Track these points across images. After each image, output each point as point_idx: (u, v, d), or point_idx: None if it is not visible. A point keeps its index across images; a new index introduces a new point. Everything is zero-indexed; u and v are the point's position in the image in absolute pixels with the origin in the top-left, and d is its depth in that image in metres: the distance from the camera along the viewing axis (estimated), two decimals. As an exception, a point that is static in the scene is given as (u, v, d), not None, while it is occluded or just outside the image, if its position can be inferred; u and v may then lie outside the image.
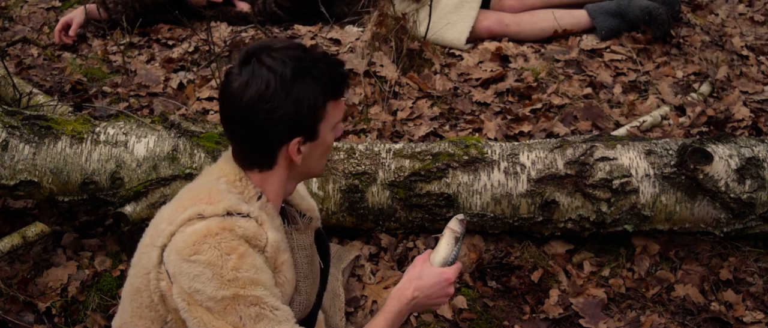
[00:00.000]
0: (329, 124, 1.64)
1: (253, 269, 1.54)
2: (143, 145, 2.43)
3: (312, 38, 3.44)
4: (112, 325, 1.75)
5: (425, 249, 2.34)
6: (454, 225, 1.75)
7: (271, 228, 1.61)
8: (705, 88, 3.26)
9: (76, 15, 3.67)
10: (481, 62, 3.37)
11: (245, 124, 1.57)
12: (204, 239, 1.51)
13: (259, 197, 1.63)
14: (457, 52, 3.43)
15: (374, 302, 2.39)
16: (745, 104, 3.14)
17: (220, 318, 1.51)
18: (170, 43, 3.63)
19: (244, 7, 3.78)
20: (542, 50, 3.47)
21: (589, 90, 3.20)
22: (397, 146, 2.52)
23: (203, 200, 1.57)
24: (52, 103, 2.93)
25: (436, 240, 1.77)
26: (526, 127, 2.99)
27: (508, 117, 3.06)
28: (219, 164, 1.69)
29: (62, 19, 3.66)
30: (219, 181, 1.63)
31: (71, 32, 3.65)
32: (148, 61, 3.52)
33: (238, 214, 1.56)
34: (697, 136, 2.76)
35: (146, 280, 1.59)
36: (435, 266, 1.72)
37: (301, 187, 1.84)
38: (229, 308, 1.51)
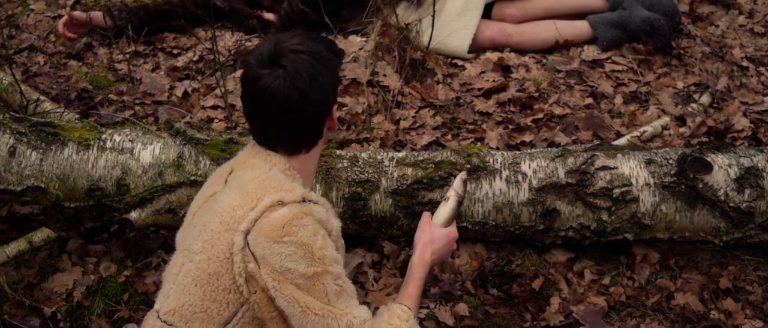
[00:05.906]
0: None
1: (332, 248, 1.68)
2: (149, 152, 2.46)
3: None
4: (158, 309, 1.73)
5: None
6: (459, 187, 1.95)
7: (333, 215, 1.76)
8: (705, 98, 3.27)
9: (80, 15, 3.74)
10: (483, 72, 3.39)
11: (301, 108, 1.68)
12: (291, 222, 1.62)
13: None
14: (460, 62, 3.45)
15: (376, 308, 2.39)
16: (744, 115, 3.16)
17: (308, 294, 1.63)
18: (175, 51, 3.66)
19: (270, 17, 3.83)
20: (544, 60, 3.49)
21: (590, 100, 3.22)
22: (400, 155, 2.54)
23: (276, 189, 1.67)
24: (58, 110, 2.96)
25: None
26: (527, 137, 3.00)
27: (510, 127, 3.07)
28: (257, 154, 1.77)
29: (67, 14, 3.72)
30: (273, 170, 1.73)
31: (74, 24, 3.71)
32: (153, 70, 3.54)
33: (310, 201, 1.69)
34: (697, 146, 2.77)
35: (228, 264, 1.65)
36: (438, 226, 1.92)
37: None
38: (317, 285, 1.63)
